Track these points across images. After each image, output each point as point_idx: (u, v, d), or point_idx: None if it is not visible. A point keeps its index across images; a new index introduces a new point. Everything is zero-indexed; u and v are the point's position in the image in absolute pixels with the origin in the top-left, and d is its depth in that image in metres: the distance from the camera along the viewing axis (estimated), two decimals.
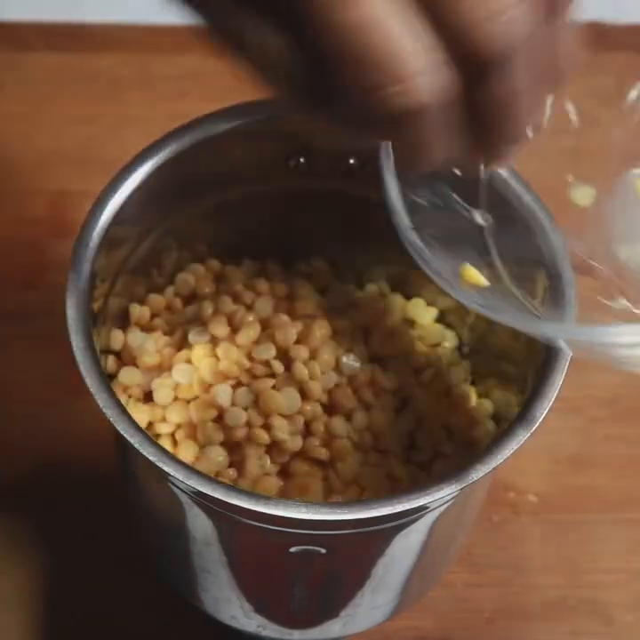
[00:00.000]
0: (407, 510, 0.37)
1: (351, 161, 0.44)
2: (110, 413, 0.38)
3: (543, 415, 0.38)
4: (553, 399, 0.39)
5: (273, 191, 0.46)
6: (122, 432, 0.38)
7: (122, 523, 0.49)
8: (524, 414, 0.38)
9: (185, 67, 0.63)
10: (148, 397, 0.45)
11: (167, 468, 0.37)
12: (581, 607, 0.50)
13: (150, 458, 0.37)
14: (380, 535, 0.40)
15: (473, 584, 0.50)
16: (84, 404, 0.52)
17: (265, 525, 0.38)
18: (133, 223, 0.43)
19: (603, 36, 0.63)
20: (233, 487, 0.37)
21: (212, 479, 0.37)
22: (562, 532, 0.52)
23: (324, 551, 0.40)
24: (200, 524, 0.41)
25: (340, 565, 0.42)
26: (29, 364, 0.54)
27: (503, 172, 0.41)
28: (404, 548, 0.41)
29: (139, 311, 0.45)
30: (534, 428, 0.38)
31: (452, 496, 0.38)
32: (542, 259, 0.41)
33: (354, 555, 0.41)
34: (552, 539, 0.52)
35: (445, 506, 0.40)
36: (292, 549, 0.40)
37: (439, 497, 0.37)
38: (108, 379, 0.39)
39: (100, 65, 0.62)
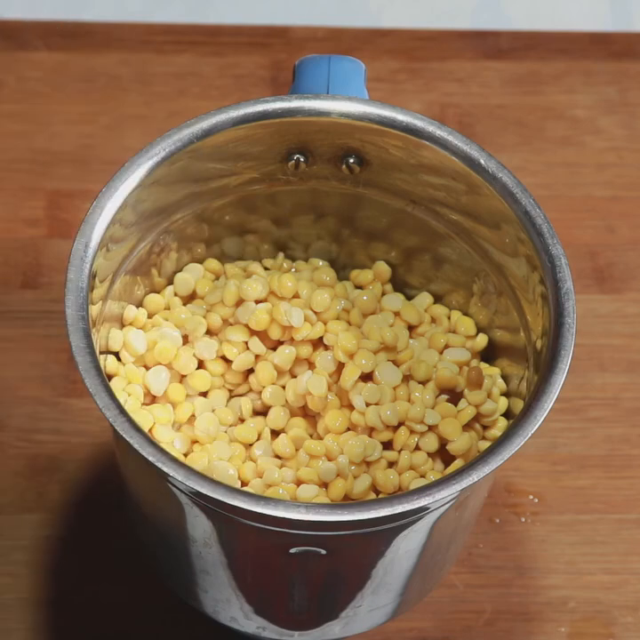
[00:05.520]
0: (407, 511, 0.37)
1: (351, 160, 0.44)
2: (109, 414, 0.38)
3: (544, 416, 0.38)
4: (554, 400, 0.39)
5: (273, 191, 0.45)
6: (121, 432, 0.38)
7: (121, 523, 0.49)
8: (524, 415, 0.38)
9: (183, 65, 0.62)
10: (147, 397, 0.44)
11: (166, 468, 0.37)
12: (582, 608, 0.50)
13: (149, 458, 0.37)
14: (380, 536, 0.40)
15: (474, 585, 0.50)
16: (83, 404, 0.53)
17: (265, 526, 0.38)
18: (132, 223, 0.43)
19: (605, 45, 0.63)
20: (233, 488, 0.37)
21: (212, 480, 0.37)
22: (562, 533, 0.52)
23: (324, 552, 0.40)
24: (199, 525, 0.41)
25: (340, 566, 0.42)
26: (28, 364, 0.54)
27: (507, 179, 0.41)
28: (405, 549, 0.41)
29: (133, 313, 0.45)
30: (535, 429, 0.38)
31: (452, 497, 0.38)
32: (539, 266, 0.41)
33: (354, 556, 0.41)
34: (553, 540, 0.51)
35: (446, 507, 0.40)
36: (292, 550, 0.40)
37: (440, 498, 0.37)
38: (107, 379, 0.39)
39: (98, 64, 0.62)
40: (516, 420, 0.39)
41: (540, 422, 0.38)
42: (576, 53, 0.63)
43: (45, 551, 0.50)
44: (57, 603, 0.50)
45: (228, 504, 0.37)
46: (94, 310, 0.41)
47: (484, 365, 0.45)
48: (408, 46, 0.64)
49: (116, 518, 0.50)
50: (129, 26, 0.63)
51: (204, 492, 0.37)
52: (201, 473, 0.37)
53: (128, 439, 0.37)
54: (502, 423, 0.44)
